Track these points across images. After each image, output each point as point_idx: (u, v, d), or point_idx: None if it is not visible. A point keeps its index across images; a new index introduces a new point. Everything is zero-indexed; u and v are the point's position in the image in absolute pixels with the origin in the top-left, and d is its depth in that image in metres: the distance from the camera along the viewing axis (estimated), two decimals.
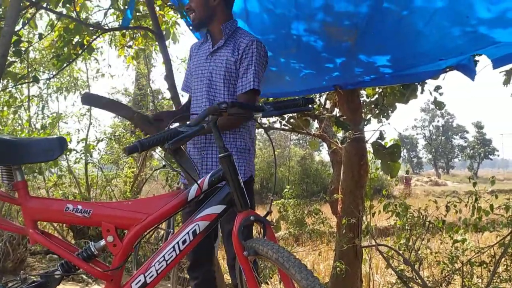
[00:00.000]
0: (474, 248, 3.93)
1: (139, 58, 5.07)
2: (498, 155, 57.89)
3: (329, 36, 3.53)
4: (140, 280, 1.55)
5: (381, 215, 5.30)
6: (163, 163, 4.80)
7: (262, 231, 1.59)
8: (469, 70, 3.17)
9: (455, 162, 63.15)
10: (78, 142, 5.91)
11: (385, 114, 4.50)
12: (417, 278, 3.59)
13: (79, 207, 1.57)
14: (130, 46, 4.77)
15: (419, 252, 3.88)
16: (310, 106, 1.66)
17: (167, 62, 4.03)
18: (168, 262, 1.57)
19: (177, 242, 1.58)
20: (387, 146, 4.72)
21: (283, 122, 5.77)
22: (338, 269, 4.66)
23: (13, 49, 2.91)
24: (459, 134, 57.01)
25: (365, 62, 3.61)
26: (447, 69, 3.39)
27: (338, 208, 5.14)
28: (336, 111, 6.32)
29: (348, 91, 4.52)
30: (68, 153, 5.62)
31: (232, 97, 2.28)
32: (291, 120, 5.97)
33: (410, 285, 3.33)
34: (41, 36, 3.24)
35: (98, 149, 7.05)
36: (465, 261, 3.91)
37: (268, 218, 1.61)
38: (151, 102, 7.11)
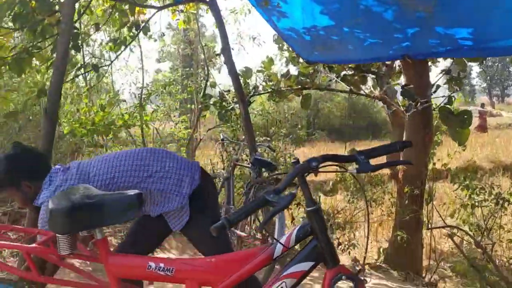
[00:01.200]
0: None
1: (190, 22, 4.85)
2: None
3: (402, 6, 3.18)
4: None
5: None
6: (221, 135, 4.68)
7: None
8: None
9: (511, 90, 59.71)
10: (135, 107, 5.86)
11: (458, 81, 4.12)
12: (490, 262, 3.44)
13: (161, 265, 1.51)
14: (182, 11, 4.56)
15: (491, 233, 3.70)
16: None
17: (222, 29, 3.79)
18: None
19: None
20: (456, 113, 4.39)
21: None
22: (399, 238, 4.57)
23: (72, 44, 2.80)
24: None
25: (442, 34, 3.25)
26: None
27: (399, 174, 4.94)
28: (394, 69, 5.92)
29: None
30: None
31: None
32: (347, 77, 5.66)
33: (483, 273, 3.20)
34: (98, 27, 3.09)
35: (151, 102, 7.05)
36: None
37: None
38: (203, 59, 6.91)
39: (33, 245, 1.46)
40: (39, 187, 1.90)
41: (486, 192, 4.01)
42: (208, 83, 6.06)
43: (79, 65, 3.10)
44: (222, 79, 9.81)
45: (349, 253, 4.44)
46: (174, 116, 7.28)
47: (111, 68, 5.35)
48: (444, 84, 4.27)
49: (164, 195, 1.96)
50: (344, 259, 4.64)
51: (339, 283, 1.48)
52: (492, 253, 3.59)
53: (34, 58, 2.91)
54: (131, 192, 1.51)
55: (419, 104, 4.27)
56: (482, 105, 23.26)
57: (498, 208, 3.82)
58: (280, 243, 1.48)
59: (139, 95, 6.20)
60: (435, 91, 4.32)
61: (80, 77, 3.67)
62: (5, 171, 1.87)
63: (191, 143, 6.19)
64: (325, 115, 23.01)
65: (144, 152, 2.05)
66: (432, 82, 4.61)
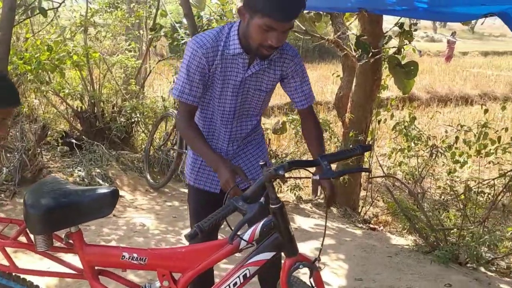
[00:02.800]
0: (476, 179, 4.12)
1: None
2: None
3: None
4: None
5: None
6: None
7: (309, 274, 1.68)
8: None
9: None
10: (74, 34, 5.53)
11: (409, 35, 4.24)
12: (419, 208, 3.82)
13: (135, 255, 1.61)
14: None
15: (423, 181, 4.07)
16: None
17: None
18: None
19: (229, 285, 1.67)
20: (403, 63, 4.56)
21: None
22: (341, 179, 4.91)
23: None
24: None
25: None
26: (488, 15, 3.13)
27: (345, 117, 5.17)
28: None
29: None
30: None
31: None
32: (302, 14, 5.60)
33: (413, 221, 3.58)
34: None
35: (95, 22, 6.63)
36: (463, 189, 4.13)
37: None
38: None
39: (9, 240, 1.50)
40: None
41: (422, 142, 4.33)
42: (159, 12, 5.79)
43: (23, 8, 2.86)
44: (173, 8, 9.32)
45: (294, 194, 4.74)
46: (120, 43, 6.92)
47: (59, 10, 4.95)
48: (396, 36, 4.39)
49: None
50: (289, 197, 4.96)
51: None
52: (423, 200, 3.99)
53: None
54: (106, 189, 1.55)
55: (370, 54, 4.40)
56: (453, 33, 21.79)
57: (432, 159, 4.17)
58: (244, 240, 1.62)
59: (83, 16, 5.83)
60: (386, 42, 4.43)
61: None
62: None
63: (140, 74, 6.01)
64: None
65: None
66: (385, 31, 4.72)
